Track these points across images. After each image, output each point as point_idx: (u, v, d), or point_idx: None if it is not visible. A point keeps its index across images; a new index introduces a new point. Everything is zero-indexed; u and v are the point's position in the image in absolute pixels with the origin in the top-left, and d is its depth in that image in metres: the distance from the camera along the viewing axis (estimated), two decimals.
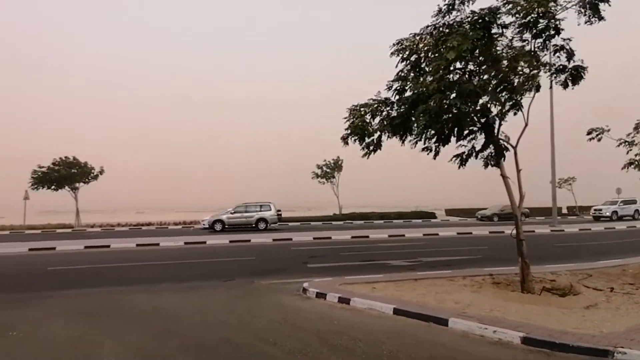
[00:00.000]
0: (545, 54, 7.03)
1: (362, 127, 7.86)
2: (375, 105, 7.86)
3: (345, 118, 7.89)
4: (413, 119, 7.25)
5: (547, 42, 6.80)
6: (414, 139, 7.78)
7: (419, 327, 5.45)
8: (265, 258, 12.97)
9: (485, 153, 7.81)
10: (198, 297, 7.59)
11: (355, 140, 8.11)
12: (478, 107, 7.09)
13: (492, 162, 7.81)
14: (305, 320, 5.87)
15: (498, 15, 6.41)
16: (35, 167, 27.82)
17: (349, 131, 7.95)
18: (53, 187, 28.17)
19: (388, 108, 7.85)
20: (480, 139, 7.67)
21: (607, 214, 29.75)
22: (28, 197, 28.14)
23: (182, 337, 5.19)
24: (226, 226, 23.45)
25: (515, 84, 6.93)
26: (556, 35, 6.64)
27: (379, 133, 8.03)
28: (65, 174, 27.74)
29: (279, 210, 25.52)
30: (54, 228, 27.97)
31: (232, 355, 4.53)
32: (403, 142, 8.02)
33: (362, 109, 7.83)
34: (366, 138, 8.01)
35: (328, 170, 35.95)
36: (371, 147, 8.09)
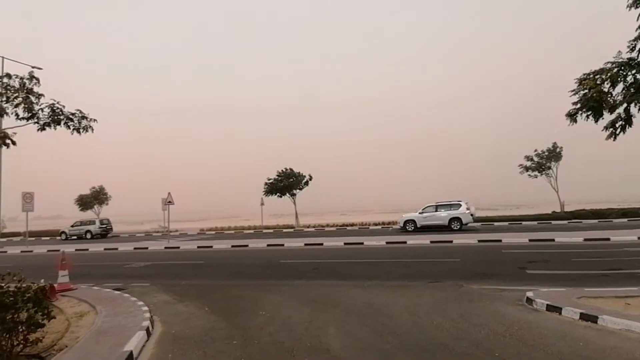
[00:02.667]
0: None
1: (597, 100, 6.17)
2: (615, 69, 6.05)
3: (572, 91, 6.37)
4: None
5: None
6: None
7: None
8: (472, 260, 11.93)
9: None
10: (406, 296, 7.55)
11: (587, 116, 6.45)
12: None
13: None
14: (539, 337, 4.93)
15: None
16: (266, 180, 34.70)
17: (579, 105, 6.37)
18: (278, 194, 34.50)
19: (634, 71, 5.92)
20: None
21: None
22: (263, 203, 35.29)
23: (398, 335, 5.19)
24: (418, 226, 23.23)
25: None
26: None
27: (625, 105, 6.13)
28: (286, 184, 33.57)
29: (468, 209, 23.28)
30: (281, 228, 34.06)
31: None
32: None
33: (596, 77, 6.15)
34: (605, 113, 6.24)
35: (541, 160, 30.60)
36: (617, 125, 6.24)
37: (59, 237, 33.20)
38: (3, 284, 4.50)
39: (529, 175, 31.37)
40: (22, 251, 21.82)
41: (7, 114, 7.75)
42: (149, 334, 5.53)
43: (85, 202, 39.67)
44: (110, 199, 41.26)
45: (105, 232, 32.60)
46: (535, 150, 30.92)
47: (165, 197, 23.62)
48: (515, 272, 9.62)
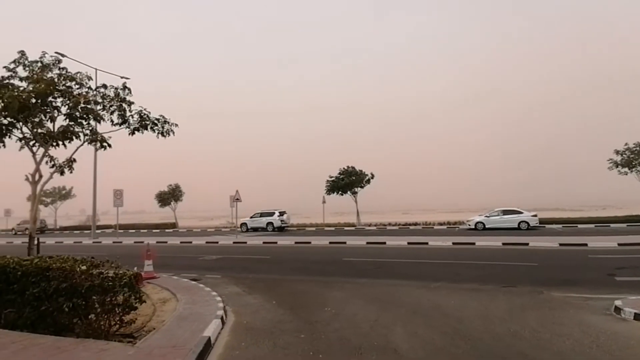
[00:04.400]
0: None
1: None
2: None
3: None
4: None
5: None
6: None
7: None
8: (553, 265, 10.98)
9: None
10: (477, 300, 7.17)
11: None
12: None
13: None
14: (626, 347, 4.43)
15: None
16: (328, 178, 35.07)
17: None
18: (340, 192, 34.67)
19: None
20: None
21: None
22: (325, 201, 35.75)
23: (470, 340, 4.96)
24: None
25: None
26: None
27: None
28: (348, 182, 33.63)
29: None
30: (342, 226, 34.23)
31: None
32: None
33: None
34: None
35: (633, 156, 27.18)
36: None
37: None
38: (103, 270, 5.09)
39: (619, 172, 28.05)
40: (113, 242, 24.47)
41: (103, 120, 8.75)
42: (223, 322, 5.91)
43: (163, 199, 43.29)
44: (184, 196, 44.60)
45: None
46: (626, 145, 27.56)
47: (234, 194, 24.95)
48: (603, 279, 8.69)
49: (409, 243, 17.65)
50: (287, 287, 8.87)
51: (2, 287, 5.31)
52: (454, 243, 16.90)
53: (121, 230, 36.26)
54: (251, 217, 31.58)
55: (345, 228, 32.71)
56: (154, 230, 38.28)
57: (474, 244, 16.55)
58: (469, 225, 25.65)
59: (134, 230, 38.88)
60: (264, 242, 20.70)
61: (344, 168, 34.63)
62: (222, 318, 5.96)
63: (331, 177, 34.82)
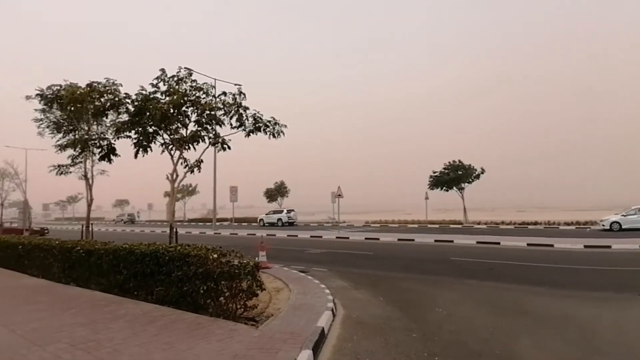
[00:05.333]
0: None
1: None
2: None
3: None
4: None
5: None
6: None
7: None
8: None
9: None
10: (612, 310, 6.18)
11: None
12: None
13: None
14: None
15: None
16: (431, 172, 33.64)
17: None
18: (444, 188, 32.95)
19: None
20: None
21: None
22: (427, 197, 34.36)
23: (608, 354, 4.29)
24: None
25: None
26: None
27: None
28: (453, 177, 31.75)
29: None
30: (448, 224, 32.44)
31: None
32: None
33: None
34: None
35: None
36: None
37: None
38: (230, 259, 5.71)
39: None
40: (230, 233, 27.31)
41: (224, 124, 9.78)
42: (333, 314, 6.12)
43: (271, 195, 46.73)
44: (289, 192, 47.47)
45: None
46: None
47: (336, 190, 25.61)
48: None
49: (528, 244, 15.89)
50: (393, 284, 8.77)
51: (154, 268, 6.35)
52: (585, 246, 14.67)
53: (236, 223, 40.20)
54: (266, 214, 37.79)
55: (451, 226, 30.95)
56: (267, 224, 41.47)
57: (609, 247, 14.15)
58: (603, 225, 22.40)
59: (246, 224, 42.75)
60: (366, 238, 20.83)
61: (449, 162, 32.81)
62: (332, 310, 6.17)
63: (435, 172, 33.34)
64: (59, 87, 11.93)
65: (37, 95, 12.24)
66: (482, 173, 32.02)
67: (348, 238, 21.41)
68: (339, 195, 24.93)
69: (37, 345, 4.52)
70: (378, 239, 20.39)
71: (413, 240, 19.13)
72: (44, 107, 12.61)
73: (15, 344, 4.58)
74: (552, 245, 15.27)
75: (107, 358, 4.07)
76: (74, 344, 4.52)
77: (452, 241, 17.90)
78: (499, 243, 16.48)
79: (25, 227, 27.57)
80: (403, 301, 7.10)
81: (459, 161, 32.49)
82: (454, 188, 33.00)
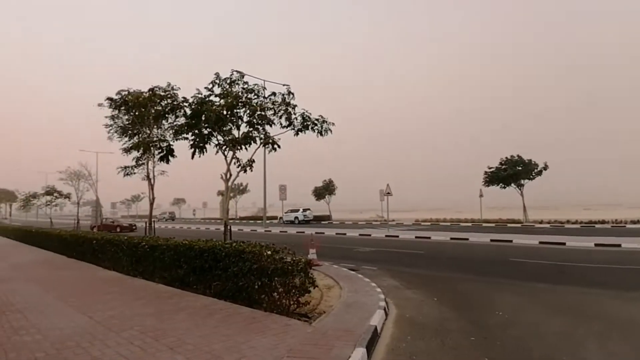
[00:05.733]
0: None
1: None
2: None
3: None
4: None
5: None
6: None
7: None
8: None
9: None
10: None
11: None
12: None
13: None
14: None
15: None
16: (486, 169, 31.98)
17: None
18: (501, 185, 31.17)
19: None
20: None
21: None
22: (482, 195, 32.76)
23: None
24: None
25: None
26: None
27: None
28: (512, 173, 29.93)
29: None
30: (505, 222, 30.66)
31: None
32: None
33: None
34: None
35: None
36: None
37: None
38: (283, 256, 5.83)
39: None
40: (280, 231, 27.93)
41: (274, 124, 10.01)
42: (386, 313, 6.03)
43: (319, 193, 47.10)
44: (337, 190, 47.55)
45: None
46: None
47: (384, 188, 25.23)
48: None
49: (596, 244, 14.61)
50: (447, 285, 8.47)
51: (212, 264, 6.66)
52: None
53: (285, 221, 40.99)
54: (285, 213, 40.63)
55: (508, 225, 29.24)
56: (311, 222, 41.96)
57: None
58: None
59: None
60: (416, 237, 20.32)
61: (506, 157, 31.02)
62: (384, 309, 6.09)
63: (490, 167, 31.69)
64: (126, 92, 12.91)
65: (106, 100, 13.33)
66: (544, 169, 29.87)
67: (398, 236, 21.01)
68: (388, 193, 24.53)
69: (113, 332, 4.93)
70: (429, 237, 19.78)
71: (467, 239, 18.33)
72: (113, 113, 13.70)
73: (94, 330, 5.03)
74: (619, 245, 13.92)
75: (173, 346, 4.33)
76: (144, 332, 4.87)
77: (510, 241, 16.90)
78: (564, 243, 15.28)
79: (97, 224, 30.38)
80: (459, 303, 6.83)
81: (518, 156, 30.56)
82: (512, 185, 31.13)
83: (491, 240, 17.45)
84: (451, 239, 18.84)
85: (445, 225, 30.67)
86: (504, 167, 30.73)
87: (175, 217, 65.07)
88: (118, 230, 30.40)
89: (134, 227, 32.61)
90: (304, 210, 40.51)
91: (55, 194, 39.93)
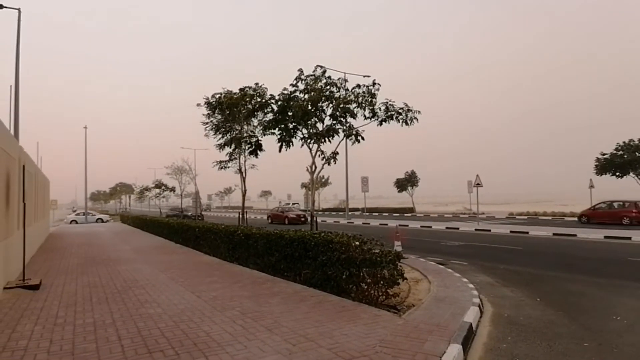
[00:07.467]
0: None
1: None
2: None
3: None
4: None
5: None
6: None
7: None
8: None
9: None
10: None
11: None
12: None
13: None
14: None
15: None
16: (599, 155, 28.02)
17: None
18: (617, 174, 27.07)
19: None
20: None
21: None
22: (592, 185, 28.82)
23: None
24: None
25: None
26: None
27: None
28: (630, 159, 25.77)
29: None
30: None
31: None
32: None
33: None
34: None
35: None
36: None
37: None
38: (371, 247, 5.84)
39: None
40: (362, 223, 27.98)
41: (356, 116, 10.01)
42: (481, 311, 5.69)
43: (401, 185, 46.03)
44: (419, 181, 45.95)
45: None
46: None
47: (473, 179, 23.67)
48: None
49: None
50: (551, 284, 7.67)
51: (301, 253, 6.96)
52: None
53: (367, 213, 40.95)
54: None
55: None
56: (393, 214, 41.29)
57: None
58: None
59: (376, 214, 43.18)
60: (511, 231, 18.74)
61: (624, 142, 26.85)
62: (479, 306, 5.75)
63: (604, 154, 27.73)
64: (220, 94, 14.05)
65: (204, 100, 14.65)
66: None
67: (490, 230, 19.58)
68: (478, 184, 22.95)
69: (217, 310, 5.46)
70: (527, 232, 18.08)
71: (575, 235, 16.33)
72: (209, 112, 15.00)
73: (201, 308, 5.63)
74: None
75: (270, 327, 4.65)
76: (243, 312, 5.31)
77: (629, 238, 14.65)
78: None
79: (198, 214, 33.33)
80: (568, 304, 6.15)
81: (639, 140, 26.22)
82: (630, 174, 26.83)
83: (605, 237, 15.32)
84: (554, 234, 16.97)
85: (545, 220, 27.69)
86: (620, 152, 26.61)
87: (209, 209, 69.00)
88: (286, 222, 28.44)
89: (302, 219, 28.57)
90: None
91: (162, 187, 45.17)
